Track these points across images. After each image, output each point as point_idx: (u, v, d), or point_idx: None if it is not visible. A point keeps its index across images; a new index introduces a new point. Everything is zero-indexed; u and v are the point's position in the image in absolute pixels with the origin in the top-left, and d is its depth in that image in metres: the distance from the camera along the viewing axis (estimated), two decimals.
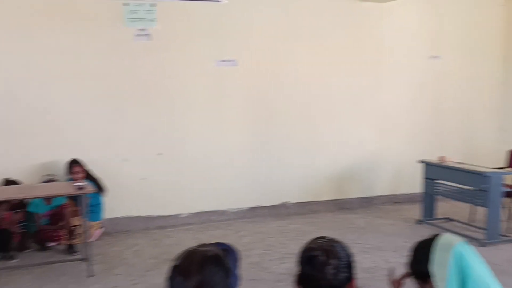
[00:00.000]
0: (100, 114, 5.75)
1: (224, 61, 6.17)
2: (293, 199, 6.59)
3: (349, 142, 6.76)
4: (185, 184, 6.14)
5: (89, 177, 5.42)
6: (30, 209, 5.25)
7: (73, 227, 5.27)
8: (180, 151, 6.11)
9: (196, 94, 6.10)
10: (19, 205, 5.25)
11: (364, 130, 6.85)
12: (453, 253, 1.82)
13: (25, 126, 5.49)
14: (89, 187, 4.80)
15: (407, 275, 2.04)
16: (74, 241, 5.25)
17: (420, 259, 1.92)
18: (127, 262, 4.96)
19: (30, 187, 5.00)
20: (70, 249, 5.21)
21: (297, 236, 5.62)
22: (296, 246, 5.14)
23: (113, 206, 5.78)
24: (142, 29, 5.80)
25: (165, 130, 6.04)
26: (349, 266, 1.81)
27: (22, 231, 5.30)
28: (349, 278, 1.81)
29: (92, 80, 5.67)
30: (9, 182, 5.22)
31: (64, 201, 5.30)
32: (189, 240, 5.61)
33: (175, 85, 6.00)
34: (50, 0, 5.46)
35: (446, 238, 1.90)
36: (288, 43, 6.40)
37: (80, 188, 4.65)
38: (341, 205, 6.80)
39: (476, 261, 1.87)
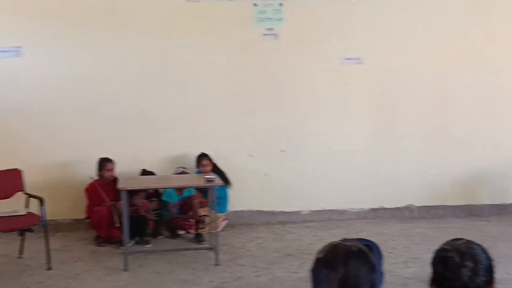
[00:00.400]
0: (228, 110, 5.99)
1: (349, 59, 6.12)
2: (418, 202, 6.35)
3: (482, 144, 6.33)
4: (307, 182, 6.19)
5: (216, 170, 5.68)
6: (164, 198, 5.63)
7: (201, 218, 5.57)
8: (302, 148, 6.17)
9: (320, 92, 6.12)
10: (155, 194, 5.66)
11: (499, 131, 6.37)
12: None
13: (162, 120, 5.89)
14: (217, 180, 5.04)
15: None
16: (201, 230, 5.54)
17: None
18: (251, 254, 5.14)
19: (166, 178, 5.36)
20: (198, 238, 5.51)
21: (422, 241, 5.42)
22: (421, 251, 5.02)
23: (237, 199, 6.00)
24: (270, 29, 5.94)
25: (289, 127, 6.14)
26: (488, 270, 1.73)
27: (156, 218, 5.71)
28: (488, 282, 1.72)
29: (222, 77, 5.92)
30: (145, 172, 5.65)
31: (193, 193, 5.62)
32: (309, 237, 5.66)
33: (299, 83, 6.07)
34: (186, 3, 5.78)
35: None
36: (417, 40, 6.14)
37: (210, 180, 4.91)
38: (470, 211, 6.41)
39: None
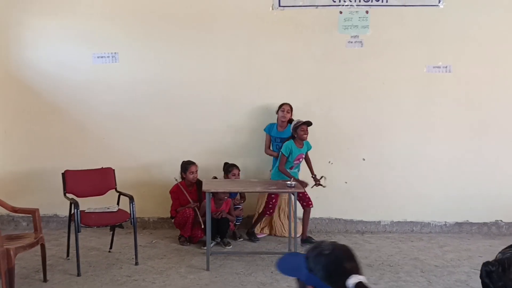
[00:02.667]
0: (311, 117, 5.97)
1: (436, 67, 5.95)
2: (507, 218, 6.04)
3: None
4: (388, 191, 6.08)
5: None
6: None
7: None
8: (384, 157, 6.07)
9: (405, 101, 5.99)
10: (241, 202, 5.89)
11: None
12: None
13: (244, 126, 6.02)
14: (298, 186, 5.07)
15: None
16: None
17: None
18: None
19: (249, 182, 5.46)
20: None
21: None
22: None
23: (316, 206, 5.98)
24: (355, 36, 5.91)
25: (371, 135, 6.06)
26: None
27: (237, 222, 5.87)
28: None
29: (306, 84, 5.97)
30: (227, 165, 5.80)
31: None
32: (389, 248, 5.56)
33: (384, 91, 5.98)
34: (272, 11, 5.87)
35: None
36: (509, 48, 5.87)
37: (291, 186, 4.95)
38: None
39: None
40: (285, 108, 5.73)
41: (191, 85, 6.00)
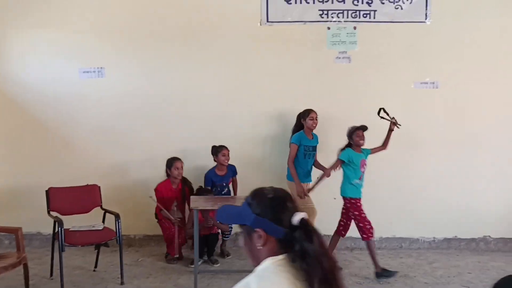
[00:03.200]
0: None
1: (424, 83, 5.97)
2: (495, 233, 6.04)
3: None
4: (376, 208, 6.01)
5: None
6: None
7: None
8: (372, 173, 6.00)
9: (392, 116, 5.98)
10: None
11: None
12: None
13: (233, 140, 5.96)
14: None
15: None
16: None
17: None
18: None
19: (239, 198, 5.40)
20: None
21: (501, 275, 5.09)
22: None
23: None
24: (343, 52, 5.92)
25: None
26: None
27: (225, 239, 5.78)
28: None
29: (296, 99, 5.92)
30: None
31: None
32: None
33: (372, 106, 5.95)
34: (262, 26, 5.86)
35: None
36: (500, 65, 5.93)
37: None
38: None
39: None
40: (313, 115, 5.48)
41: (180, 100, 5.95)
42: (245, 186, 5.92)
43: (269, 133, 6.01)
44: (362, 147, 5.30)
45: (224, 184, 5.70)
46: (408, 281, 5.05)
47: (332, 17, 5.89)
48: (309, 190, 5.48)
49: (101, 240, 4.89)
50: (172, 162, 5.51)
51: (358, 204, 5.20)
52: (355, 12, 5.87)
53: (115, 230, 4.86)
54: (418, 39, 5.90)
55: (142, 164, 5.94)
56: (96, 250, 5.20)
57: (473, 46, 5.89)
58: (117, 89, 5.90)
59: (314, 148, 5.57)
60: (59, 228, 4.54)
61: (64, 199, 5.02)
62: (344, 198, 5.29)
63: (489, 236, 6.06)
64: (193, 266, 4.98)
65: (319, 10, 5.87)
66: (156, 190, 5.50)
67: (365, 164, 5.32)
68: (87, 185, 5.21)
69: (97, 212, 5.20)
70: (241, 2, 5.85)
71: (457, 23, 5.87)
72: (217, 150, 5.63)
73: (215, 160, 5.66)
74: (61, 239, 4.52)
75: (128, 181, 5.96)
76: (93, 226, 5.01)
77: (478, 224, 6.03)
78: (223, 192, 5.67)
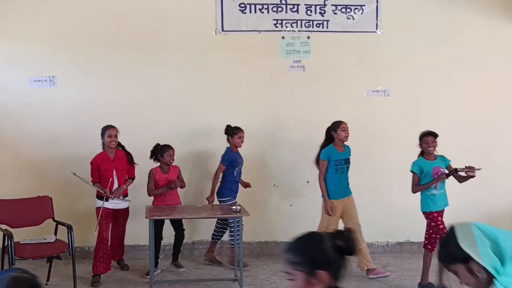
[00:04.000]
0: (257, 140, 6.01)
1: (375, 91, 6.14)
2: None
3: None
4: None
5: None
6: None
7: None
8: None
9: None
10: None
11: None
12: (473, 227, 1.87)
13: (191, 149, 5.94)
14: (244, 212, 5.03)
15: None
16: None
17: (452, 248, 1.88)
18: (275, 287, 5.09)
19: (194, 208, 5.37)
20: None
21: (454, 277, 5.28)
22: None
23: (262, 230, 5.99)
24: (297, 61, 6.02)
25: (314, 158, 6.12)
26: None
27: None
28: None
29: (252, 107, 5.98)
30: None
31: None
32: None
33: (326, 114, 6.05)
34: (215, 36, 5.89)
35: (461, 224, 1.93)
36: (446, 73, 6.16)
37: (236, 211, 4.92)
38: None
39: (494, 227, 1.88)
40: (344, 125, 5.23)
41: (136, 109, 5.90)
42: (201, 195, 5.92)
43: (225, 141, 6.01)
44: (437, 153, 5.00)
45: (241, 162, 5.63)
46: (363, 284, 5.15)
47: (286, 26, 5.98)
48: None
49: (53, 252, 4.77)
50: (105, 131, 5.19)
51: (436, 216, 4.95)
52: (309, 22, 5.99)
53: (67, 242, 4.75)
54: (369, 49, 6.06)
55: None
56: (48, 263, 5.06)
57: (422, 54, 6.10)
58: (70, 98, 5.80)
59: (347, 161, 5.31)
60: (9, 241, 4.42)
61: (14, 212, 4.88)
62: (423, 213, 5.01)
63: None
64: (148, 277, 4.92)
65: (274, 19, 5.96)
66: (91, 163, 5.17)
67: (440, 171, 4.93)
68: (38, 196, 5.08)
69: (49, 224, 5.07)
70: (196, 11, 5.87)
71: (406, 32, 6.07)
72: (233, 131, 5.50)
73: (229, 141, 5.55)
74: (11, 252, 4.40)
75: (82, 192, 5.83)
76: (44, 239, 4.89)
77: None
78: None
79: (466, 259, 1.83)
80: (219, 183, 5.58)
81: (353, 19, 6.00)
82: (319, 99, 6.07)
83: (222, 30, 5.90)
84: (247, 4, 5.89)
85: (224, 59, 5.93)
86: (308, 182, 6.11)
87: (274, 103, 6.02)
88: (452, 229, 1.91)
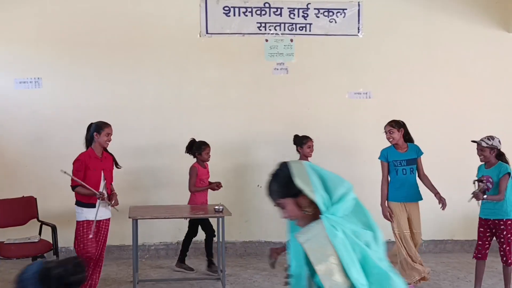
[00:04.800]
0: (241, 142, 6.11)
1: (357, 93, 6.25)
2: (425, 236, 6.29)
3: None
4: None
5: None
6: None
7: None
8: None
9: (328, 125, 6.22)
10: None
11: None
12: (305, 165, 1.99)
13: (174, 151, 6.01)
14: (226, 211, 5.10)
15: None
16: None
17: (285, 183, 1.98)
18: (258, 285, 5.18)
19: (177, 208, 5.42)
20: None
21: (431, 277, 5.41)
22: (428, 286, 4.97)
23: (246, 230, 6.07)
24: (281, 63, 6.11)
25: (292, 159, 6.21)
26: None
27: None
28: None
29: (236, 109, 6.09)
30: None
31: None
32: None
33: (309, 116, 6.19)
34: (200, 38, 5.97)
35: (294, 161, 2.04)
36: (426, 75, 6.29)
37: (219, 211, 4.99)
38: None
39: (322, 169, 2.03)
40: (386, 129, 5.06)
41: (120, 111, 5.94)
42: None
43: (209, 142, 6.08)
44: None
45: None
46: None
47: (270, 29, 6.07)
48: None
49: (37, 252, 4.82)
50: (102, 127, 4.63)
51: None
52: (292, 25, 6.09)
53: (51, 242, 4.80)
54: (351, 51, 6.18)
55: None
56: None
57: (402, 57, 6.23)
58: (55, 99, 5.86)
59: (410, 162, 4.97)
60: None
61: None
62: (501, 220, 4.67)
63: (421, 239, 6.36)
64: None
65: (257, 22, 6.05)
66: (77, 160, 4.57)
67: (489, 180, 4.69)
68: (23, 197, 5.12)
69: (34, 224, 5.12)
70: (180, 14, 5.95)
71: (386, 36, 6.20)
72: (301, 141, 5.38)
73: (298, 151, 5.45)
74: None
75: (67, 193, 5.87)
76: (28, 239, 4.93)
77: None
78: None
79: (296, 194, 1.94)
80: None
81: (335, 22, 6.11)
82: (302, 101, 6.17)
83: (207, 33, 5.98)
84: (231, 7, 5.98)
85: (208, 62, 6.02)
86: None
87: (257, 105, 6.11)
88: (285, 165, 2.00)
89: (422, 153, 5.00)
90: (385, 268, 1.84)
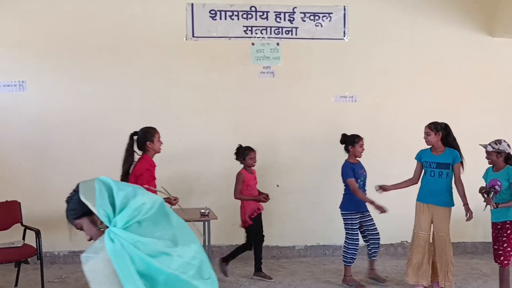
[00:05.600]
0: (227, 145, 6.09)
1: (343, 96, 6.28)
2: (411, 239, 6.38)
3: (474, 182, 6.41)
4: (302, 217, 6.26)
5: None
6: None
7: None
8: (298, 184, 6.26)
9: (315, 129, 6.24)
10: None
11: None
12: (96, 180, 1.99)
13: (161, 155, 5.99)
14: (212, 214, 5.09)
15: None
16: None
17: (75, 203, 2.01)
18: None
19: None
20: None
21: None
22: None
23: (232, 233, 6.06)
24: (267, 67, 6.12)
25: (285, 163, 6.24)
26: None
27: None
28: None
29: (221, 113, 6.09)
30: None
31: None
32: (303, 272, 5.70)
33: (296, 119, 6.20)
34: (187, 41, 5.96)
35: (86, 180, 2.05)
36: (411, 79, 6.34)
37: (204, 214, 4.99)
38: (464, 249, 6.46)
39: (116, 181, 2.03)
40: (424, 131, 5.09)
41: (106, 114, 5.93)
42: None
43: (197, 146, 6.09)
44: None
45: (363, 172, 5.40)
46: (330, 286, 5.26)
47: (256, 33, 6.08)
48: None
49: (21, 257, 4.77)
50: (154, 134, 4.66)
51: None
52: (278, 29, 6.10)
53: (35, 247, 4.76)
54: (337, 55, 6.21)
55: (66, 179, 5.81)
56: (16, 268, 5.06)
57: (387, 61, 6.27)
58: (40, 103, 5.81)
59: (441, 166, 4.96)
60: None
61: None
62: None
63: (406, 241, 6.40)
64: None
65: (244, 26, 6.05)
66: (146, 170, 4.62)
67: (497, 184, 4.75)
68: (6, 201, 5.07)
69: (17, 228, 5.07)
70: (167, 17, 5.94)
71: (372, 39, 6.23)
72: (353, 140, 5.33)
73: (349, 150, 5.39)
74: None
75: (52, 196, 5.83)
76: (12, 243, 4.88)
77: (396, 230, 6.34)
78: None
79: (89, 212, 1.95)
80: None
81: (321, 26, 6.14)
82: (289, 104, 6.18)
83: (193, 36, 5.98)
84: (218, 11, 5.98)
85: (194, 65, 6.01)
86: (278, 186, 6.22)
87: (244, 108, 6.11)
88: (77, 185, 2.04)
89: (459, 160, 4.95)
90: (183, 275, 1.89)
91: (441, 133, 4.99)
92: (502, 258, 4.71)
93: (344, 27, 6.16)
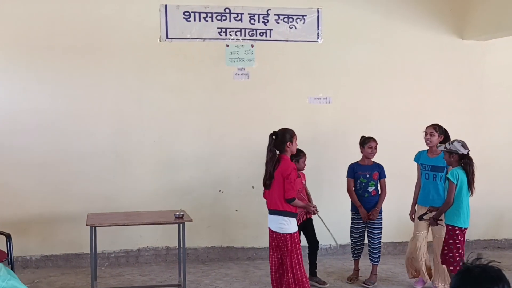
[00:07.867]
0: (202, 147, 6.10)
1: (317, 98, 6.33)
2: (385, 238, 6.39)
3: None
4: None
5: None
6: None
7: None
8: None
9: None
10: None
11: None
12: None
13: (135, 157, 5.95)
14: (187, 217, 5.07)
15: None
16: None
17: None
18: None
19: (136, 214, 5.36)
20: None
21: (388, 277, 5.54)
22: (385, 287, 5.05)
23: (207, 236, 6.06)
24: (242, 69, 6.13)
25: (259, 163, 6.22)
26: None
27: None
28: None
29: (197, 114, 6.08)
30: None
31: None
32: None
33: (271, 121, 6.18)
34: (160, 43, 5.93)
35: None
36: (383, 80, 6.44)
37: (179, 217, 4.96)
38: None
39: None
40: (427, 131, 5.14)
41: (79, 115, 5.85)
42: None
43: (172, 148, 6.07)
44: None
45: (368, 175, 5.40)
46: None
47: (231, 35, 6.08)
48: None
49: None
50: (293, 135, 4.66)
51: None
52: (252, 31, 6.11)
53: (6, 252, 4.67)
54: (311, 57, 6.26)
55: (38, 182, 5.75)
56: None
57: (360, 63, 6.35)
58: (11, 104, 5.71)
59: (436, 168, 5.06)
60: None
61: None
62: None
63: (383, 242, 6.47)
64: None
65: (218, 28, 6.04)
66: (293, 169, 4.55)
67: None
68: None
69: None
70: (140, 18, 5.90)
71: (345, 41, 6.31)
72: (363, 142, 5.35)
73: (362, 152, 5.43)
74: None
75: (22, 200, 5.74)
76: None
77: (396, 231, 6.39)
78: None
79: None
80: None
81: (295, 28, 6.16)
82: (263, 106, 6.21)
83: (167, 38, 5.93)
84: (192, 12, 5.95)
85: (168, 67, 5.99)
86: (253, 187, 6.22)
87: (219, 110, 6.11)
88: None
89: None
90: None
91: (442, 137, 5.11)
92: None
93: (318, 29, 6.20)
